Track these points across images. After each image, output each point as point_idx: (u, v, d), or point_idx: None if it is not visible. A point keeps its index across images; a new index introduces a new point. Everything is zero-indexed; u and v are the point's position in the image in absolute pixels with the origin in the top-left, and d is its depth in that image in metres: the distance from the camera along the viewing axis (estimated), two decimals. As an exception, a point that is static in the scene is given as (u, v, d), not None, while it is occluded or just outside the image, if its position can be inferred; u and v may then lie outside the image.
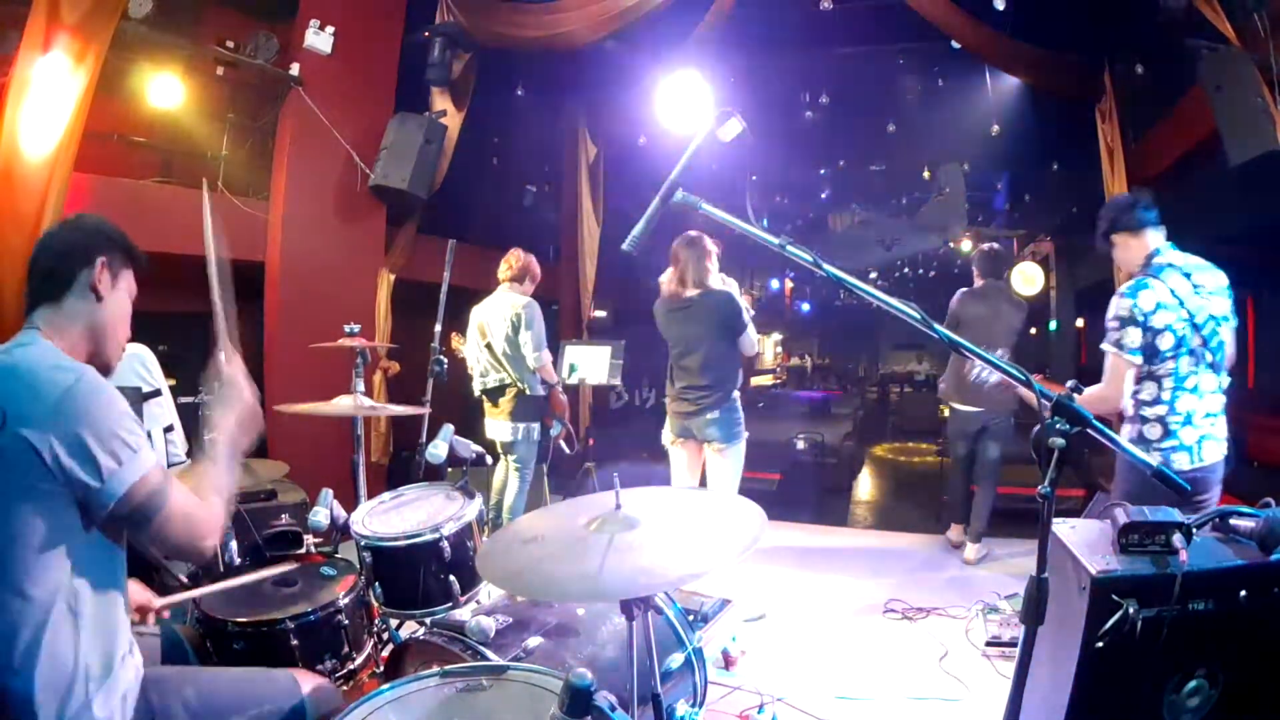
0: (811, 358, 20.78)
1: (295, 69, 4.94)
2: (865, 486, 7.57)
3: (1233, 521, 1.62)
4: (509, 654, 1.81)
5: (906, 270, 18.57)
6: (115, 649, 1.30)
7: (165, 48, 4.57)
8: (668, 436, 3.58)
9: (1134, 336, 2.32)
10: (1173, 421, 2.34)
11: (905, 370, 19.08)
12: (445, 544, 2.08)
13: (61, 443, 1.20)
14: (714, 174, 7.97)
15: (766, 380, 18.28)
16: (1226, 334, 2.37)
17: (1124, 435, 2.44)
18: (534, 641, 1.88)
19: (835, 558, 4.57)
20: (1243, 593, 1.52)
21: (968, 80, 7.44)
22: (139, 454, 1.27)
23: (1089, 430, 1.20)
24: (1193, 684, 1.55)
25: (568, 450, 4.43)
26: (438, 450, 2.46)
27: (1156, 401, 2.36)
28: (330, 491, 2.35)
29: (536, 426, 4.15)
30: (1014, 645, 3.05)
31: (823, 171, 11.58)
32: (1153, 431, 2.37)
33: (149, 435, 2.86)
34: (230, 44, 4.93)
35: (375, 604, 2.22)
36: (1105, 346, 2.40)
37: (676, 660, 1.97)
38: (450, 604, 2.09)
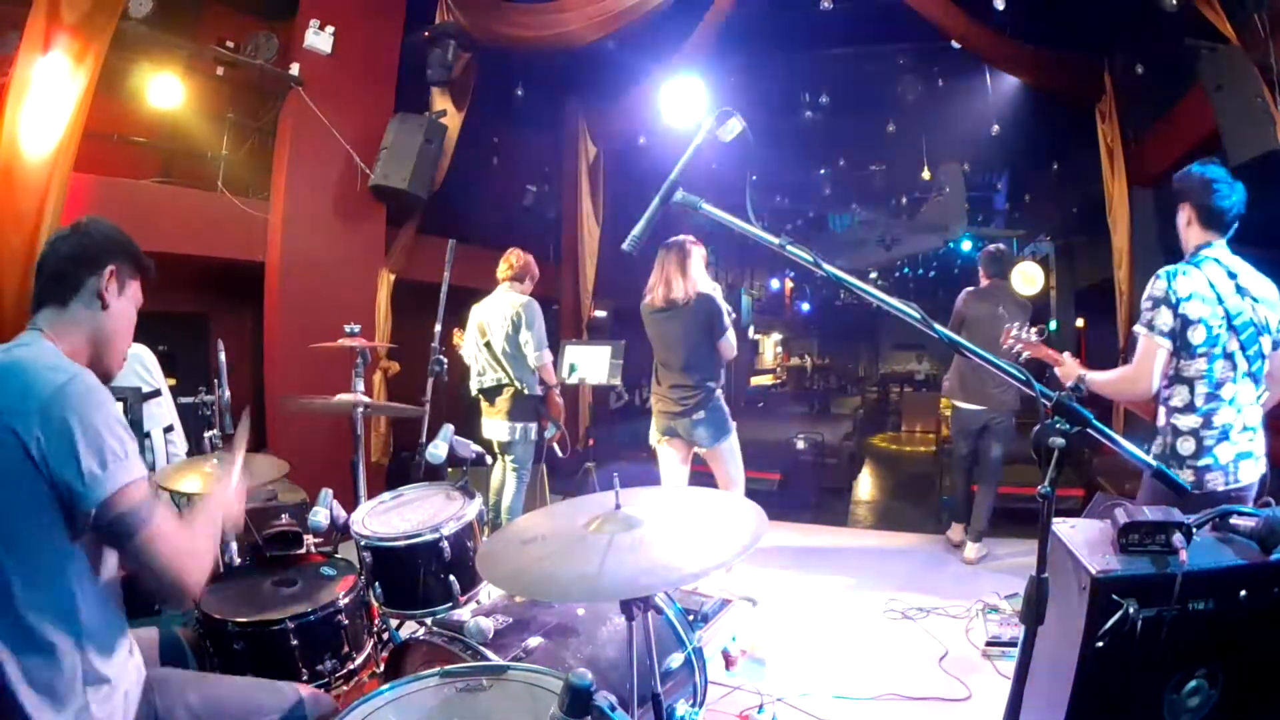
0: (811, 358, 20.75)
1: (295, 69, 4.95)
2: (865, 486, 7.56)
3: (1233, 521, 1.62)
4: (509, 654, 1.81)
5: (906, 270, 18.56)
6: (114, 649, 1.30)
7: (165, 48, 4.57)
8: (654, 436, 3.68)
9: (1165, 318, 2.17)
10: (1207, 436, 2.17)
11: (905, 370, 19.06)
12: (445, 544, 2.08)
13: (47, 439, 1.18)
14: (714, 174, 7.98)
15: (767, 380, 18.25)
16: (1268, 344, 2.20)
17: (1154, 448, 2.30)
18: (534, 641, 1.88)
19: (835, 558, 4.57)
20: (1243, 593, 1.51)
21: (968, 80, 7.44)
22: (126, 461, 1.24)
23: (1089, 430, 1.20)
24: (1193, 684, 1.55)
25: (561, 454, 4.43)
26: (438, 450, 2.46)
27: (1189, 409, 2.20)
28: (330, 491, 2.35)
29: (534, 426, 4.15)
30: (1014, 645, 3.05)
31: (823, 171, 11.57)
32: (1186, 446, 2.20)
33: (149, 435, 2.88)
34: (230, 44, 4.93)
35: (375, 604, 2.22)
36: (1137, 328, 2.27)
37: (676, 660, 1.97)
38: (450, 604, 2.09)
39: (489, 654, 1.78)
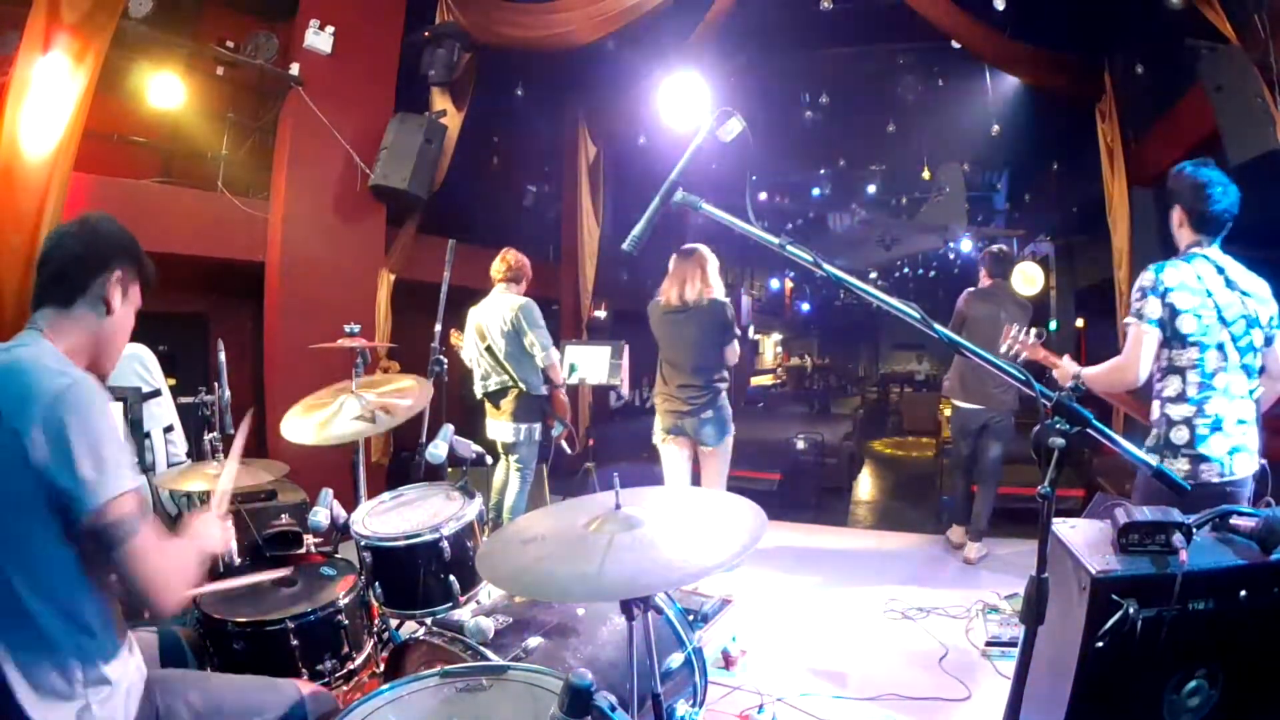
0: (811, 358, 20.77)
1: (295, 69, 4.94)
2: (865, 486, 7.57)
3: (1233, 521, 1.63)
4: (509, 654, 1.81)
5: (906, 270, 18.57)
6: (114, 649, 1.30)
7: (165, 47, 4.57)
8: (659, 435, 3.75)
9: (1154, 306, 2.21)
10: (1200, 425, 2.19)
11: (905, 370, 19.08)
12: (445, 544, 2.08)
13: (47, 442, 1.18)
14: (714, 174, 7.98)
15: (767, 380, 18.27)
16: (1260, 338, 2.23)
17: (1149, 441, 2.32)
18: (534, 641, 1.88)
19: (835, 558, 4.57)
20: (1243, 593, 1.52)
21: (968, 80, 7.44)
22: (121, 471, 1.23)
23: (1089, 430, 1.20)
24: (1193, 684, 1.55)
25: (569, 451, 4.43)
26: (438, 450, 2.46)
27: (1181, 399, 2.22)
28: (330, 491, 2.35)
29: (538, 427, 4.15)
30: (1014, 645, 3.05)
31: (823, 171, 11.58)
32: (1180, 435, 2.22)
33: (149, 435, 2.88)
34: (230, 44, 4.93)
35: (375, 604, 2.22)
36: (1128, 319, 2.31)
37: (676, 660, 1.96)
38: (450, 604, 2.09)
39: (489, 654, 1.78)
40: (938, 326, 1.31)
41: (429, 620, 2.08)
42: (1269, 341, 2.27)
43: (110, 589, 1.33)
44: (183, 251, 4.34)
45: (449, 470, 2.80)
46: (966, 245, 13.71)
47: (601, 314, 8.43)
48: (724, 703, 2.67)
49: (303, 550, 2.43)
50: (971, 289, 4.58)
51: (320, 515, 2.27)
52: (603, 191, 7.83)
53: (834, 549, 4.79)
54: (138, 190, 4.36)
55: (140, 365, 2.95)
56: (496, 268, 4.16)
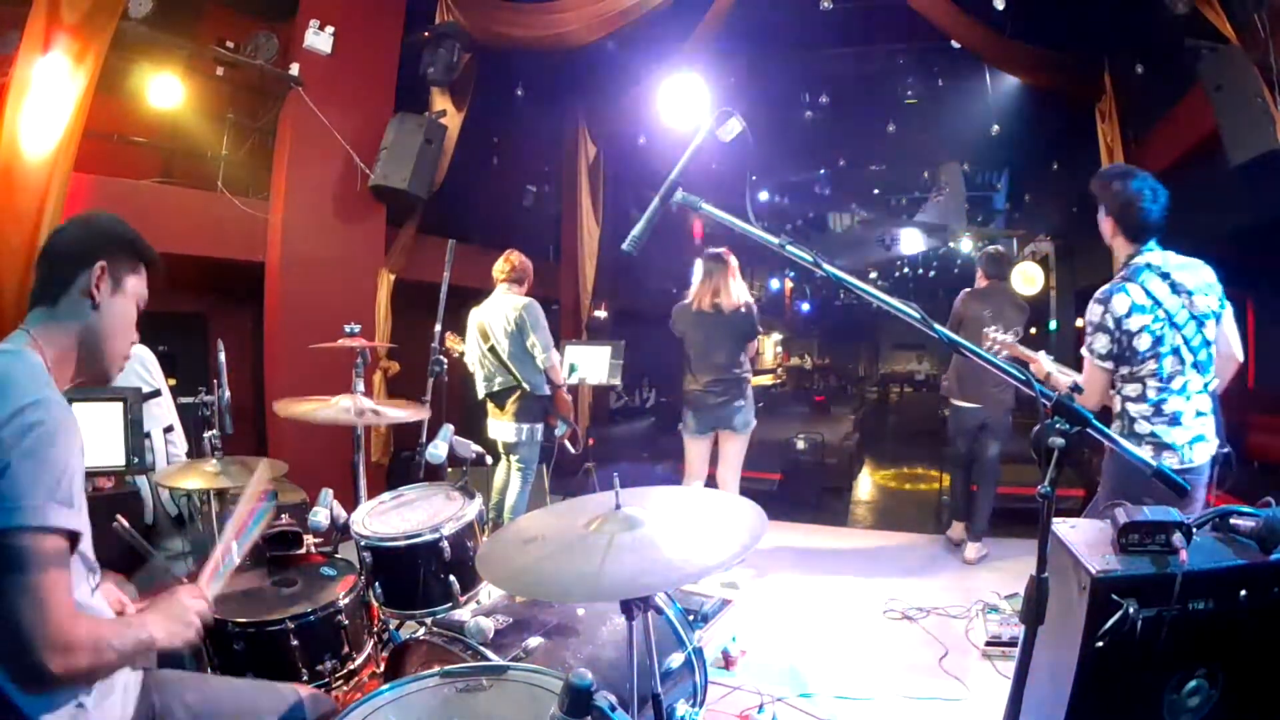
0: (811, 358, 20.78)
1: (295, 69, 4.94)
2: (865, 486, 7.56)
3: (1233, 521, 1.62)
4: (509, 654, 1.81)
5: (906, 270, 18.58)
6: None
7: (165, 48, 4.57)
8: (689, 430, 4.06)
9: (1103, 342, 2.33)
10: (1159, 422, 2.31)
11: (905, 370, 19.09)
12: (445, 544, 2.08)
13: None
14: (714, 174, 7.98)
15: (766, 380, 18.27)
16: (1211, 330, 2.32)
17: (1112, 427, 2.39)
18: (534, 641, 1.89)
19: (835, 558, 4.57)
20: (1243, 593, 1.52)
21: (968, 80, 7.44)
22: (49, 507, 1.11)
23: (1089, 430, 1.20)
24: (1193, 684, 1.55)
25: (573, 450, 4.44)
26: (438, 450, 2.46)
27: (1141, 399, 2.34)
28: (330, 491, 2.35)
29: (540, 427, 4.15)
30: (1014, 645, 3.05)
31: (823, 171, 11.57)
32: (1142, 427, 2.34)
33: (149, 435, 2.87)
34: (230, 44, 4.93)
35: (375, 604, 2.22)
36: (1083, 351, 2.42)
37: (676, 660, 1.97)
38: (450, 604, 2.09)
39: (489, 654, 1.78)
40: (938, 326, 1.31)
41: (429, 620, 2.08)
42: (1218, 321, 2.35)
43: (104, 591, 1.31)
44: (182, 251, 4.34)
45: (449, 470, 2.80)
46: (966, 245, 13.72)
47: (601, 314, 8.43)
48: (724, 703, 2.67)
49: (303, 550, 2.43)
50: (968, 289, 4.60)
51: (320, 515, 2.27)
52: (603, 191, 7.83)
53: (834, 549, 4.79)
54: (138, 190, 4.36)
55: (140, 365, 2.95)
56: (500, 268, 4.16)
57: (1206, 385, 2.35)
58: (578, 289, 7.83)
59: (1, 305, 3.37)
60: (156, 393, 2.93)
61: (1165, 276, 2.32)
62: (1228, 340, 2.40)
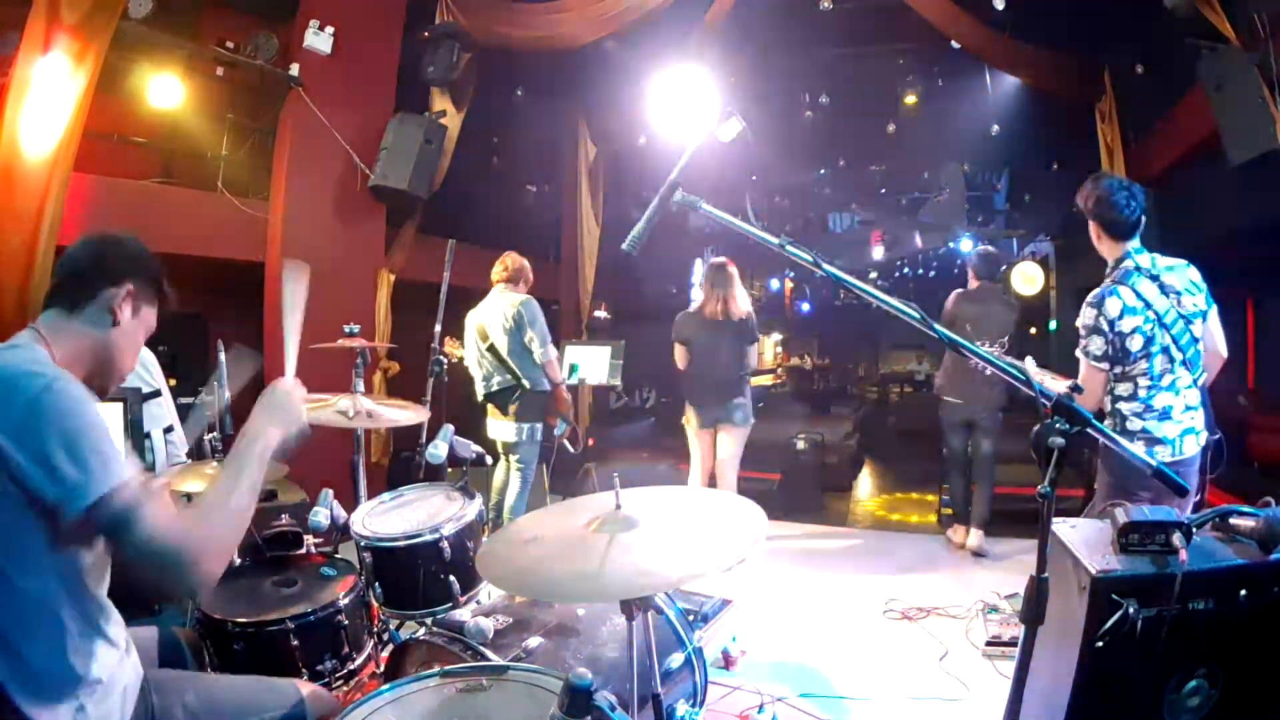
0: (811, 358, 20.75)
1: (295, 69, 4.94)
2: (865, 486, 7.56)
3: (1233, 521, 1.62)
4: (509, 654, 1.81)
5: (907, 270, 18.55)
6: (110, 649, 1.29)
7: (165, 48, 4.57)
8: (693, 425, 4.28)
9: (1098, 344, 2.41)
10: (1149, 416, 2.40)
11: (905, 370, 19.05)
12: (445, 544, 2.08)
13: (24, 453, 1.13)
14: (714, 174, 7.99)
15: (766, 380, 18.24)
16: (1199, 329, 2.41)
17: (1105, 423, 2.44)
18: (534, 641, 1.89)
19: (835, 558, 4.57)
20: (1243, 593, 1.51)
21: (968, 80, 7.44)
22: (109, 466, 1.16)
23: (1089, 430, 1.20)
24: (1193, 684, 1.55)
25: (573, 449, 4.43)
26: (438, 450, 2.46)
27: (1133, 398, 2.43)
28: (330, 491, 2.35)
29: (540, 426, 4.14)
30: (1014, 645, 3.04)
31: (823, 171, 11.57)
32: (1133, 424, 2.42)
33: (149, 435, 2.87)
34: (230, 44, 4.94)
35: (375, 604, 2.22)
36: (1077, 353, 2.49)
37: (676, 660, 1.97)
38: (450, 604, 2.09)
39: (489, 654, 1.78)
40: (937, 326, 1.32)
41: (429, 620, 2.08)
42: (1204, 319, 2.44)
43: (105, 590, 1.32)
44: (182, 252, 4.34)
45: (449, 470, 2.80)
46: (966, 245, 13.71)
47: (601, 314, 8.43)
48: (724, 703, 2.67)
49: (303, 550, 2.43)
50: (960, 290, 4.61)
51: (320, 515, 2.27)
52: (603, 191, 7.83)
53: (834, 549, 4.79)
54: (138, 191, 4.37)
55: (140, 365, 2.95)
56: (496, 271, 4.17)
57: (1195, 380, 2.43)
58: (578, 289, 7.83)
59: (1, 305, 3.36)
60: (157, 393, 2.93)
61: (1154, 278, 2.41)
62: (1213, 338, 2.48)
